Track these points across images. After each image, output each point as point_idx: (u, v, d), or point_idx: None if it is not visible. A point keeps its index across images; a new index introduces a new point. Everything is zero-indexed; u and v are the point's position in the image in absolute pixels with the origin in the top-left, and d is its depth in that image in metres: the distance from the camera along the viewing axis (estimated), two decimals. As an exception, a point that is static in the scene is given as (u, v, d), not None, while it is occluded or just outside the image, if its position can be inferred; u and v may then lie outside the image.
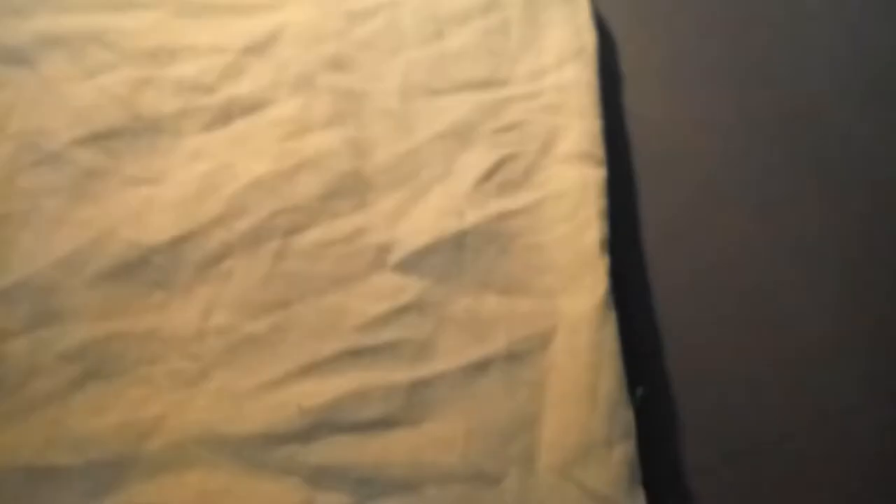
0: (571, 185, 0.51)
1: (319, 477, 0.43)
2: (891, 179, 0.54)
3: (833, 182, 0.54)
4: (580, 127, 0.54)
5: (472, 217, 0.51)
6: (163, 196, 0.52)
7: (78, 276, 0.49)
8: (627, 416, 0.44)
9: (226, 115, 0.55)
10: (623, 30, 0.61)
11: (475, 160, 0.53)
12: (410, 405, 0.45)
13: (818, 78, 0.58)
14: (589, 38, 0.58)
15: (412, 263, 0.49)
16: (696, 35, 0.61)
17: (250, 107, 0.56)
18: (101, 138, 0.54)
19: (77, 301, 0.49)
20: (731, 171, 0.55)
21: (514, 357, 0.46)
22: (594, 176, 0.51)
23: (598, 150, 0.53)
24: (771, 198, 0.54)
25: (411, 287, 0.49)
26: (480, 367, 0.46)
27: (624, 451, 0.43)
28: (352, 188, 0.52)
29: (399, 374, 0.46)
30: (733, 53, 0.60)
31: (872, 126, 0.56)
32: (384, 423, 0.45)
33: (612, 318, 0.47)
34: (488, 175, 0.52)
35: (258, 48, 0.58)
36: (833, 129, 0.56)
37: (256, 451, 0.44)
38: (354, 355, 0.47)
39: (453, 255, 0.49)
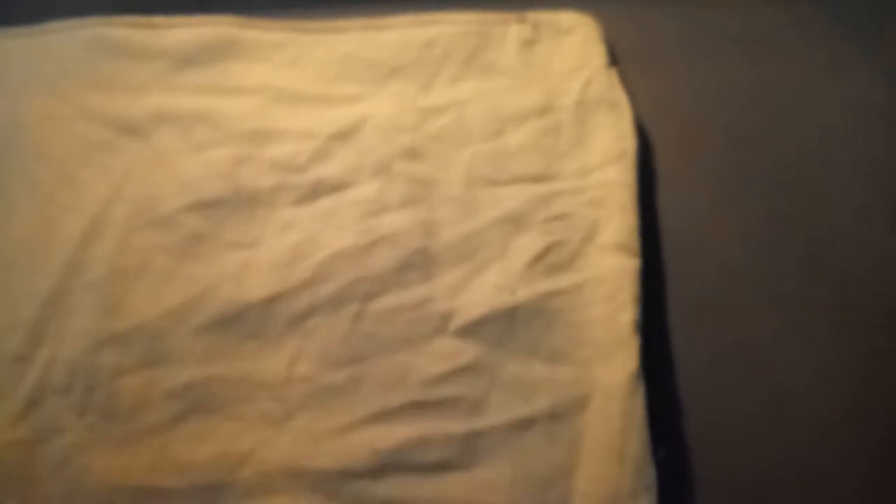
0: (609, 272, 0.59)
1: (386, 509, 0.51)
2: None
3: (841, 281, 0.62)
4: (619, 221, 0.62)
5: (523, 294, 0.59)
6: (258, 260, 0.61)
7: (184, 325, 0.58)
8: (650, 473, 0.51)
9: (313, 192, 0.64)
10: (661, 135, 0.69)
11: (527, 244, 0.61)
12: (464, 453, 0.53)
13: (842, 195, 0.65)
14: (630, 143, 0.66)
15: (470, 330, 0.57)
16: (728, 144, 0.69)
17: (335, 187, 0.64)
18: (205, 207, 0.63)
19: (182, 347, 0.57)
20: (751, 268, 0.63)
21: (554, 417, 0.54)
22: (630, 265, 0.59)
23: (634, 242, 0.61)
24: (785, 293, 0.61)
25: (468, 351, 0.57)
26: (525, 424, 0.54)
27: (647, 502, 0.50)
28: (420, 263, 0.60)
29: (456, 425, 0.54)
30: (763, 165, 0.67)
31: (886, 244, 0.63)
32: (441, 467, 0.53)
33: (640, 389, 0.54)
34: (538, 258, 0.60)
35: (343, 136, 0.67)
36: (848, 240, 0.64)
37: (332, 484, 0.52)
38: (418, 407, 0.55)
39: (506, 326, 0.58)
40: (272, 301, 0.58)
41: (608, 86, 0.70)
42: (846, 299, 0.62)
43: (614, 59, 0.73)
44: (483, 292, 0.59)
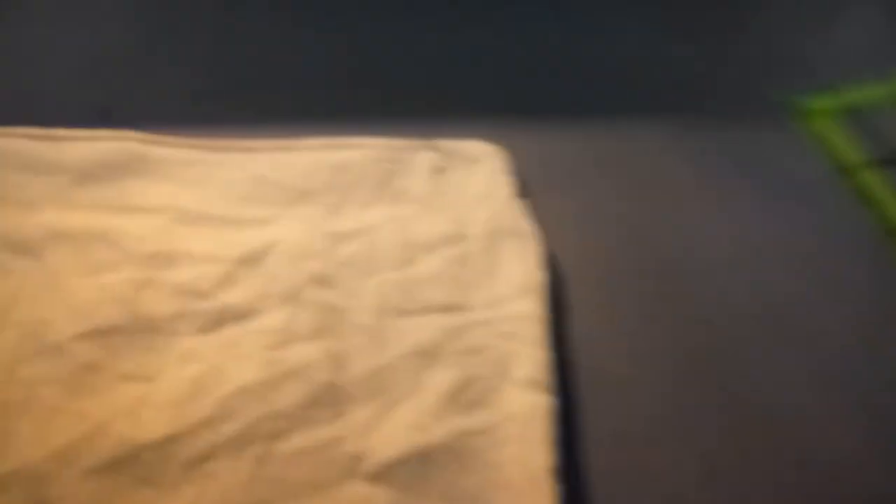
0: (522, 410, 0.58)
1: None
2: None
3: (745, 419, 0.63)
4: (532, 356, 0.61)
5: (437, 433, 0.57)
6: (155, 394, 0.57)
7: (71, 468, 0.53)
8: None
9: (218, 320, 0.62)
10: (572, 266, 0.70)
11: (440, 379, 0.60)
12: None
13: (743, 323, 0.67)
14: (539, 276, 0.66)
15: (381, 474, 0.55)
16: (634, 276, 0.71)
17: (241, 315, 0.62)
18: (99, 334, 0.60)
19: (69, 493, 0.52)
20: (664, 402, 0.63)
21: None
22: (542, 402, 0.59)
23: (547, 378, 0.60)
24: (696, 431, 0.62)
25: (379, 497, 0.54)
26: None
27: None
28: (329, 399, 0.58)
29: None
30: (669, 293, 0.69)
31: (776, 371, 0.65)
32: None
33: (557, 537, 0.53)
34: (452, 394, 0.59)
35: (250, 260, 0.65)
36: (746, 374, 0.65)
37: None
38: (326, 562, 0.52)
39: (419, 469, 0.55)
40: (169, 441, 0.55)
41: (515, 215, 0.71)
42: (746, 441, 0.62)
43: (525, 190, 0.75)
44: (395, 432, 0.57)
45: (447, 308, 0.65)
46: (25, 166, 0.68)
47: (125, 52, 0.85)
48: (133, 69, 0.84)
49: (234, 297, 0.63)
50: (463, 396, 0.59)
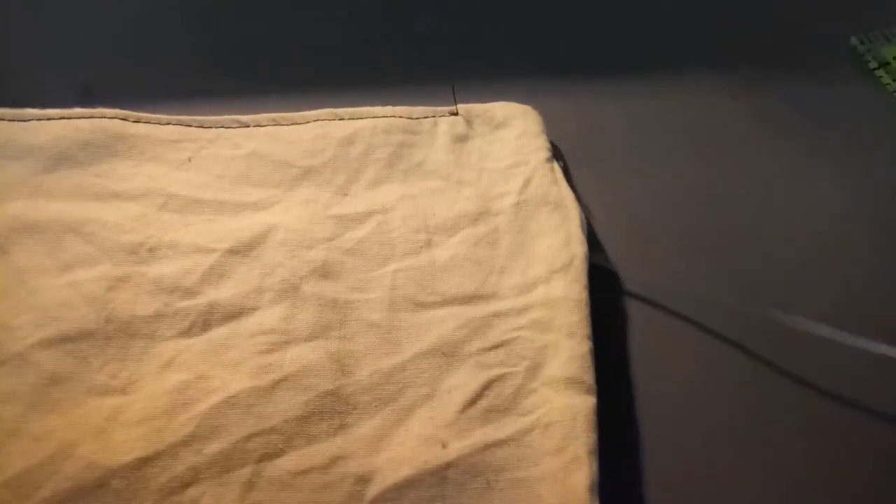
0: (559, 416, 0.49)
1: None
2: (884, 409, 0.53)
3: (829, 430, 0.53)
4: (569, 348, 0.52)
5: (457, 447, 0.48)
6: (129, 410, 0.49)
7: (28, 499, 0.46)
8: None
9: (204, 321, 0.53)
10: (613, 243, 0.60)
11: (460, 382, 0.51)
12: None
13: (811, 302, 0.57)
14: (578, 250, 0.57)
15: (391, 498, 0.46)
16: (687, 252, 0.61)
17: (231, 314, 0.54)
18: (67, 340, 0.52)
19: (24, 528, 0.45)
20: (731, 405, 0.53)
21: None
22: (583, 405, 0.49)
23: (588, 375, 0.51)
24: (759, 427, 0.52)
25: (389, 526, 0.45)
26: None
27: None
28: (331, 409, 0.49)
29: None
30: (727, 278, 0.59)
31: (865, 361, 0.55)
32: None
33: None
34: (474, 400, 0.50)
35: (243, 250, 0.57)
36: (824, 361, 0.55)
37: None
38: None
39: (435, 491, 0.47)
40: (143, 464, 0.47)
41: (550, 182, 0.62)
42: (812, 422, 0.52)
43: (558, 154, 0.65)
44: (408, 447, 0.48)
45: (470, 298, 0.55)
46: (-9, 151, 0.60)
47: (108, 23, 0.77)
48: (118, 42, 0.75)
49: (223, 293, 0.54)
50: (486, 401, 0.50)
